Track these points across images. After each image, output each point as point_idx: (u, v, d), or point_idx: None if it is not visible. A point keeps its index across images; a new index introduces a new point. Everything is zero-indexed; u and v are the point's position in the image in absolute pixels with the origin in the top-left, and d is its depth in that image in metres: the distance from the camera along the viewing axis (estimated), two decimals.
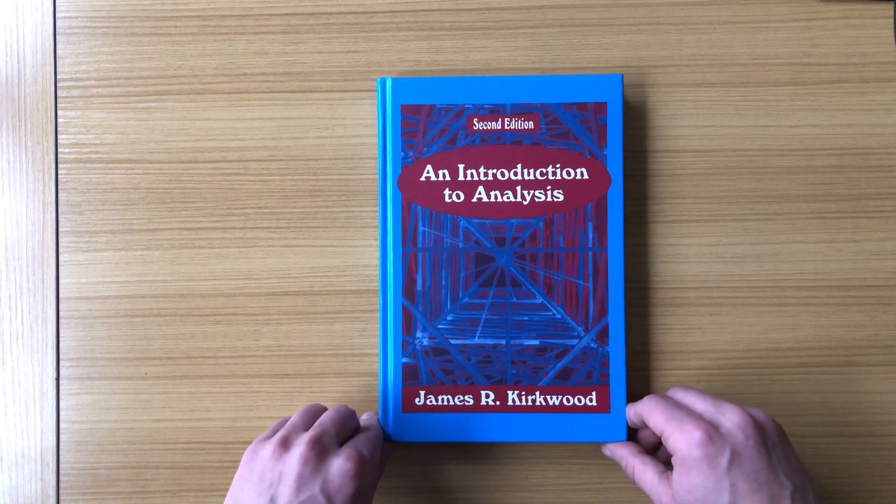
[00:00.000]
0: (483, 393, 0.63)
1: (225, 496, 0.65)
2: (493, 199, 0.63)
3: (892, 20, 0.65)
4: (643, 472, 0.58)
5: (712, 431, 0.53)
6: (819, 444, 0.64)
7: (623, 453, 0.60)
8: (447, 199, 0.63)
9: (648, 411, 0.57)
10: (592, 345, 0.62)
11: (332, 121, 0.66)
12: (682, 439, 0.54)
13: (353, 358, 0.65)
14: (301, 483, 0.54)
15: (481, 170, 0.63)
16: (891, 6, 0.65)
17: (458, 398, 0.63)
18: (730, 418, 0.54)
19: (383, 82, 0.64)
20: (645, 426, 0.60)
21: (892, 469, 0.65)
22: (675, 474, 0.54)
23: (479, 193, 0.63)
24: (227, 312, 0.66)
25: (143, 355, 0.66)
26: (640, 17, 0.66)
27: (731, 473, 0.52)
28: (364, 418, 0.63)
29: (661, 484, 0.56)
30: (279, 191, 0.66)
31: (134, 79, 0.66)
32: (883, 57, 0.66)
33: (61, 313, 0.66)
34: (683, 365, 0.65)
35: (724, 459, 0.52)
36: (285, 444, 0.55)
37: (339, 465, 0.54)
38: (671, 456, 0.55)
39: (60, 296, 0.66)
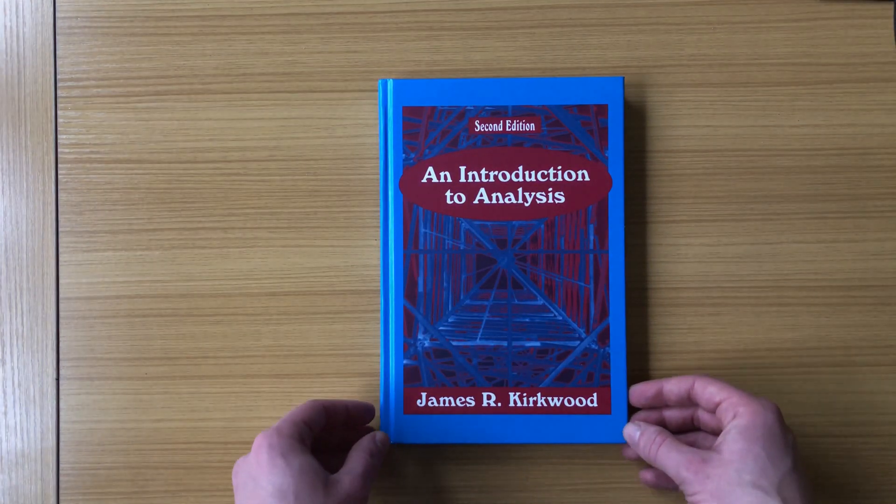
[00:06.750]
0: (484, 394, 0.63)
1: (225, 496, 0.65)
2: (494, 201, 0.63)
3: (892, 20, 0.65)
4: (670, 449, 0.57)
5: None
6: (819, 444, 0.64)
7: (649, 432, 0.59)
8: (448, 201, 0.63)
9: (705, 383, 0.58)
10: (593, 346, 0.62)
11: (332, 121, 0.66)
12: (758, 409, 0.55)
13: (353, 358, 0.65)
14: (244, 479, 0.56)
15: (483, 172, 0.63)
16: (891, 6, 0.65)
17: (460, 400, 0.63)
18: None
19: (384, 84, 0.64)
20: (668, 405, 0.61)
21: (892, 469, 0.65)
22: (736, 443, 0.54)
23: (481, 195, 0.63)
24: (227, 312, 0.65)
25: (143, 355, 0.66)
26: (640, 18, 0.66)
27: (793, 450, 0.55)
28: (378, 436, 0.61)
29: (694, 461, 0.55)
30: (279, 191, 0.66)
31: (134, 79, 0.66)
32: (883, 57, 0.66)
33: (61, 313, 0.66)
34: (683, 365, 0.65)
35: (790, 436, 0.56)
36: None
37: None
38: (705, 431, 0.60)
39: (60, 296, 0.66)
